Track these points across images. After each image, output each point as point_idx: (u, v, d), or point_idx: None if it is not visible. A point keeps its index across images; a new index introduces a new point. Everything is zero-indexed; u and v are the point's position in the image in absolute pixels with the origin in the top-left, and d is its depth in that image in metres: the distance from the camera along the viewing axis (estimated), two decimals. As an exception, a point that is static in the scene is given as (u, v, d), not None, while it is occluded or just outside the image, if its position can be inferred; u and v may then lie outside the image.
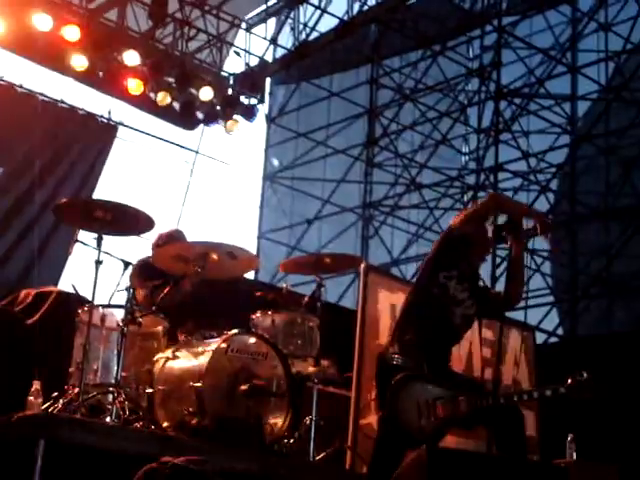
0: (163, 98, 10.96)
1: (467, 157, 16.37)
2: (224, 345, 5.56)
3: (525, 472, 4.46)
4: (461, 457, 4.42)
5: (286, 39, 14.93)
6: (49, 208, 9.54)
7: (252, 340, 5.75)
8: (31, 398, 5.41)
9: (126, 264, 5.92)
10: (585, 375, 4.67)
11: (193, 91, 11.18)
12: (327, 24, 14.32)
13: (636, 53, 14.35)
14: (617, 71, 14.59)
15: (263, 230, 16.61)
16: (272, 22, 15.34)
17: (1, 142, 10.63)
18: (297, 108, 16.78)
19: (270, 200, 16.79)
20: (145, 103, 11.20)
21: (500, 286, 5.65)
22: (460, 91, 16.07)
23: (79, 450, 4.59)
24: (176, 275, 6.17)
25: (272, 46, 14.30)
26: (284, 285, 6.76)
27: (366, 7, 13.70)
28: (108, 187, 11.64)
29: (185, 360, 5.65)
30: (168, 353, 5.74)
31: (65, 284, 9.37)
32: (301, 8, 14.93)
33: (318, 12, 14.60)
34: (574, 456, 7.00)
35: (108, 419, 5.33)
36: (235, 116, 11.57)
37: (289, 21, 15.14)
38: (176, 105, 11.24)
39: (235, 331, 5.74)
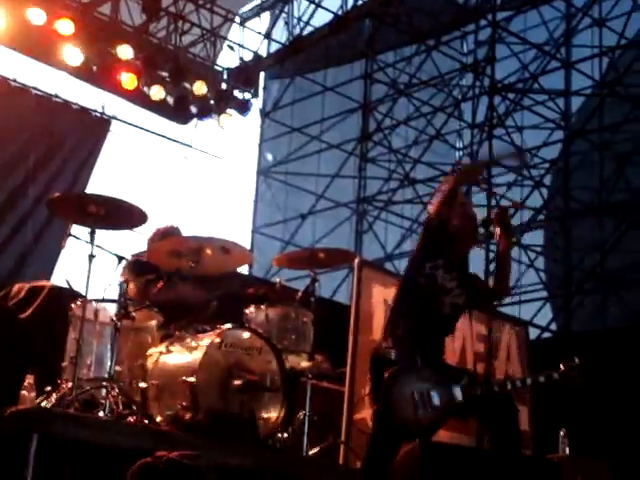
0: (157, 92, 10.93)
1: (461, 152, 16.38)
2: (218, 340, 5.55)
3: (518, 467, 4.46)
4: (454, 451, 4.43)
5: (280, 33, 14.92)
6: (42, 202, 9.52)
7: (246, 335, 5.75)
8: (24, 392, 5.41)
9: (119, 259, 5.91)
10: (577, 361, 4.70)
11: (187, 85, 11.16)
12: (321, 19, 14.32)
13: (630, 48, 14.36)
14: (611, 66, 14.59)
15: (257, 225, 16.59)
16: (266, 16, 15.34)
17: (-6, 136, 10.61)
18: (291, 103, 16.75)
19: (264, 195, 16.77)
20: (139, 97, 11.16)
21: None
22: (454, 86, 16.06)
23: (72, 445, 4.59)
24: (170, 270, 6.16)
25: (266, 40, 14.30)
26: (278, 280, 6.76)
27: (360, 2, 13.69)
28: (102, 181, 11.62)
29: (179, 355, 5.65)
30: (162, 348, 5.73)
31: (58, 278, 9.36)
32: (295, 2, 14.92)
33: (312, 6, 14.60)
34: (567, 451, 7.02)
35: (101, 414, 5.32)
36: (229, 110, 11.55)
37: (283, 15, 15.13)
38: (170, 99, 11.21)
39: (229, 326, 5.74)
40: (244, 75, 11.91)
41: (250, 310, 6.31)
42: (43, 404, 5.40)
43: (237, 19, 13.31)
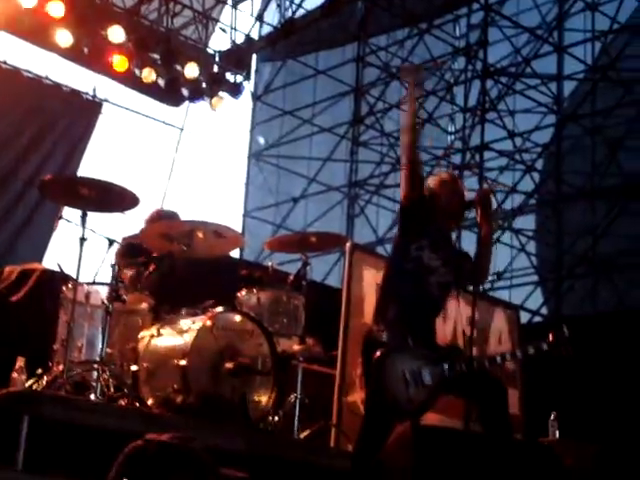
0: (148, 75, 10.88)
1: (453, 136, 16.35)
2: (209, 323, 5.55)
3: (509, 450, 4.48)
4: (446, 435, 4.43)
5: (272, 16, 14.85)
6: (34, 185, 9.48)
7: (237, 318, 5.76)
8: (15, 375, 5.40)
9: (110, 242, 5.90)
10: (566, 331, 4.70)
11: (178, 68, 11.11)
12: (313, 1, 14.26)
13: (623, 33, 14.34)
14: (603, 51, 14.58)
15: (248, 208, 16.57)
16: (258, -2, 15.25)
17: (-15, 118, 10.56)
18: (283, 86, 16.70)
19: (256, 178, 16.73)
20: (130, 80, 11.11)
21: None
22: (446, 70, 16.02)
23: (63, 427, 4.59)
24: (162, 253, 6.16)
25: (258, 23, 14.21)
26: (270, 263, 6.75)
27: (353, -16, 13.64)
28: (93, 164, 11.58)
29: (170, 337, 5.65)
30: (153, 330, 5.73)
31: (49, 261, 9.35)
32: (287, -15, 14.84)
33: (305, -11, 14.53)
34: (557, 435, 7.04)
35: (92, 396, 5.32)
36: (220, 93, 11.51)
37: (275, -2, 15.05)
38: (161, 82, 11.16)
39: (220, 309, 5.74)
40: (236, 58, 11.86)
41: (242, 293, 6.31)
42: (34, 387, 5.40)
43: (229, 1, 13.23)
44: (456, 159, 15.46)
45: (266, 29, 14.55)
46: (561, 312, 13.65)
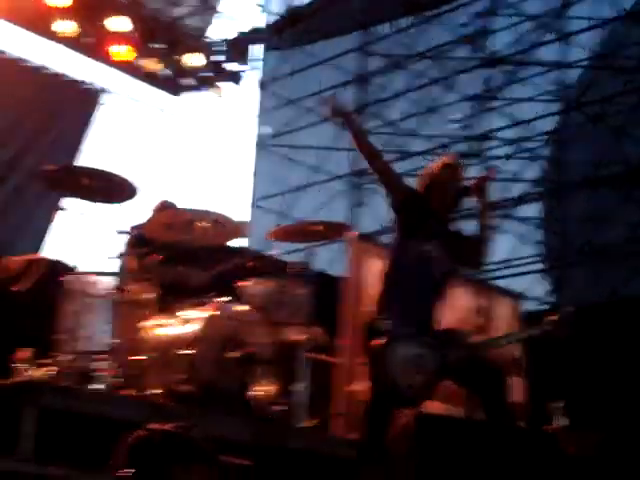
0: (150, 64, 10.88)
1: (457, 125, 16.30)
2: (214, 313, 5.55)
3: (513, 438, 4.48)
4: (449, 423, 4.43)
5: (277, 4, 14.82)
6: (35, 175, 9.48)
7: (242, 308, 5.76)
8: (19, 365, 5.40)
9: (115, 232, 5.91)
10: (568, 309, 4.70)
11: (181, 57, 11.10)
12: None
13: (627, 20, 14.28)
14: (607, 39, 14.52)
15: (255, 198, 16.54)
16: (262, -13, 15.20)
17: (-14, 109, 10.56)
18: (288, 75, 16.66)
19: (261, 168, 16.71)
20: (132, 69, 11.11)
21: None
22: (450, 58, 15.96)
23: (68, 417, 4.59)
24: (166, 243, 6.16)
25: (263, 12, 14.17)
26: (274, 253, 6.76)
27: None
28: (94, 153, 11.57)
29: (175, 327, 5.66)
30: (158, 320, 5.73)
31: (52, 251, 9.36)
32: (292, -27, 14.80)
33: (308, -23, 14.49)
34: (562, 422, 7.04)
35: (97, 386, 5.33)
36: (224, 82, 11.50)
37: (279, -14, 15.00)
38: (164, 71, 11.15)
39: (225, 299, 5.75)
40: (239, 47, 11.85)
41: (246, 283, 6.31)
42: (39, 377, 5.40)
43: (233, -10, 13.21)
44: (460, 147, 15.43)
45: (271, 18, 14.52)
46: (566, 300, 13.63)
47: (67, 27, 10.05)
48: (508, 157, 14.64)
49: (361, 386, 6.11)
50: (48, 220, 9.65)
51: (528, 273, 14.35)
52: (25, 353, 5.47)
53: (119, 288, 5.72)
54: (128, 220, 6.88)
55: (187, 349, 5.41)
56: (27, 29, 10.44)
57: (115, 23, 10.38)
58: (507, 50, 14.88)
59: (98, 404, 4.83)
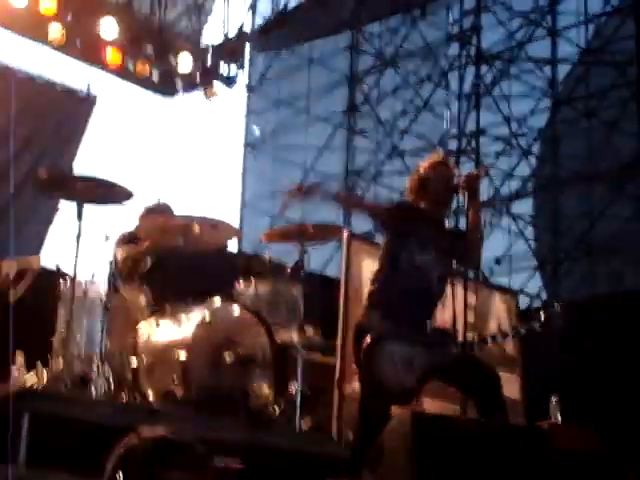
0: (141, 67, 10.86)
1: (448, 122, 16.32)
2: (208, 315, 5.55)
3: (508, 436, 4.48)
4: (445, 421, 4.43)
5: (265, 6, 14.83)
6: (30, 180, 9.46)
7: (236, 309, 5.76)
8: (14, 371, 5.40)
9: (108, 236, 5.90)
10: (556, 306, 4.70)
11: (172, 60, 11.09)
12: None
13: (615, 15, 14.31)
14: (597, 34, 14.55)
15: (246, 199, 16.55)
16: (251, -11, 15.21)
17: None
18: (277, 75, 16.67)
19: (252, 169, 16.72)
20: (123, 72, 11.09)
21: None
22: (441, 56, 15.98)
23: (61, 423, 4.59)
24: (158, 247, 6.16)
25: (251, 13, 14.18)
26: (267, 254, 6.76)
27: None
28: (88, 158, 11.57)
29: (169, 330, 5.66)
30: (152, 323, 5.73)
31: (47, 255, 9.33)
32: (280, -26, 14.82)
33: (297, -22, 14.51)
34: (558, 418, 7.04)
35: (92, 391, 5.32)
36: (214, 84, 11.49)
37: (268, -13, 15.02)
38: (155, 74, 11.14)
39: (219, 301, 5.74)
40: (229, 49, 11.84)
41: (240, 285, 6.31)
42: (34, 382, 5.39)
43: (221, -8, 13.18)
44: (452, 145, 15.45)
45: (259, 19, 14.54)
46: (560, 295, 13.65)
47: (57, 31, 10.03)
48: (499, 154, 14.66)
49: (356, 386, 6.11)
50: (46, 224, 9.64)
51: (522, 270, 14.38)
52: (19, 358, 5.46)
53: (113, 291, 5.71)
54: (121, 224, 6.89)
55: (182, 352, 5.40)
56: (18, 34, 10.41)
57: (106, 27, 10.35)
58: (497, 47, 14.91)
59: (93, 410, 4.82)
